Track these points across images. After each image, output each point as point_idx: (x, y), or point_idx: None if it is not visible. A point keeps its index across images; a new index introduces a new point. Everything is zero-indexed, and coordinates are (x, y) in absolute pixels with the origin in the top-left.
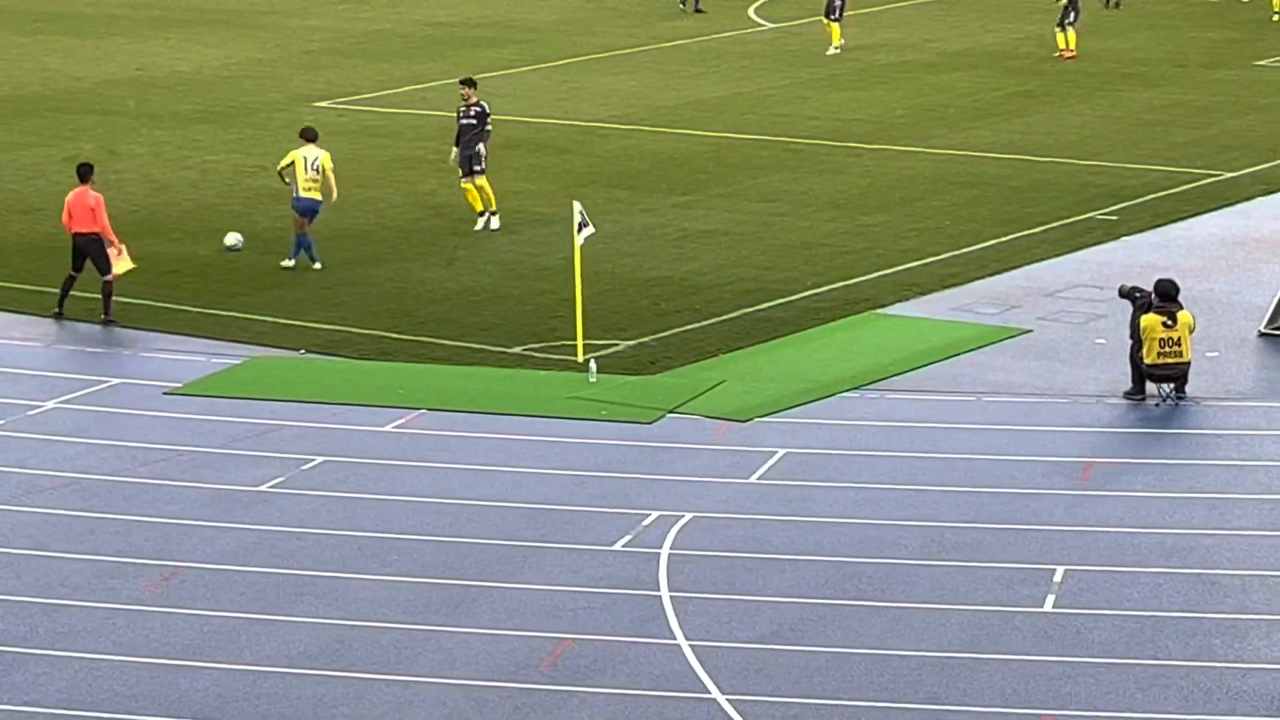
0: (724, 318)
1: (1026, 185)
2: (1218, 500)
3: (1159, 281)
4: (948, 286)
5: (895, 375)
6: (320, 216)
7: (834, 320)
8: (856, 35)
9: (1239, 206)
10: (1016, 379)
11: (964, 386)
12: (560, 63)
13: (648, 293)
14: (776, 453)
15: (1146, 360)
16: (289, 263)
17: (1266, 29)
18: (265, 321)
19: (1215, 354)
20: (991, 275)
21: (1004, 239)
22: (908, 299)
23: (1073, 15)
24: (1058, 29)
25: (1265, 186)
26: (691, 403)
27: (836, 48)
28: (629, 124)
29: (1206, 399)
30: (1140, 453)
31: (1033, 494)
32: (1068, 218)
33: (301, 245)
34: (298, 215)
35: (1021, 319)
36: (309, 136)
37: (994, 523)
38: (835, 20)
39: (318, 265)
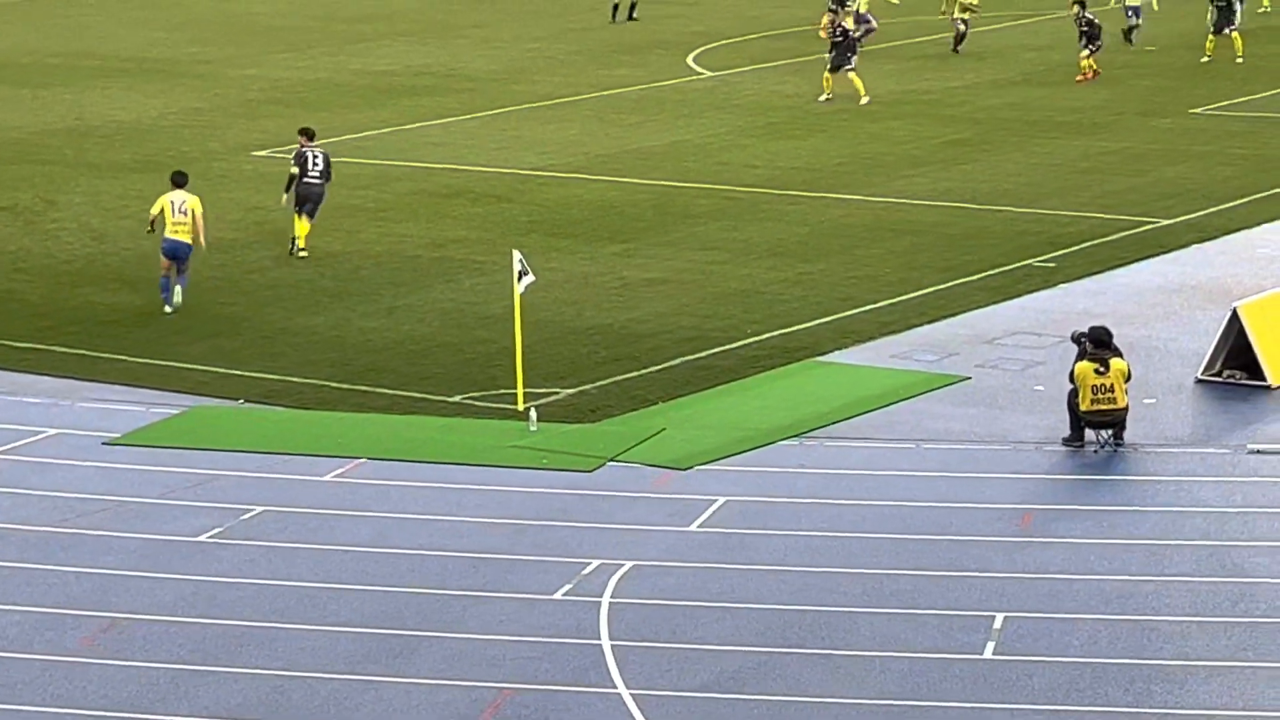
0: (664, 366)
1: (964, 233)
2: (1156, 546)
3: (1092, 328)
4: (887, 334)
5: (834, 423)
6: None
7: (774, 368)
8: (795, 84)
9: (1175, 254)
10: (955, 426)
11: (903, 434)
12: (499, 111)
13: (588, 341)
14: (717, 501)
15: (1081, 407)
16: (169, 309)
17: (1201, 77)
18: (204, 371)
19: (1153, 400)
20: (930, 323)
21: (942, 286)
22: (847, 347)
23: (1095, 46)
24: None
25: (1201, 234)
26: (632, 451)
27: (867, 99)
28: (568, 172)
29: (1145, 445)
30: (1079, 499)
31: (972, 541)
32: (1006, 265)
33: (166, 287)
34: (164, 257)
35: (960, 366)
36: (178, 182)
37: (933, 570)
38: (851, 70)
39: (168, 310)
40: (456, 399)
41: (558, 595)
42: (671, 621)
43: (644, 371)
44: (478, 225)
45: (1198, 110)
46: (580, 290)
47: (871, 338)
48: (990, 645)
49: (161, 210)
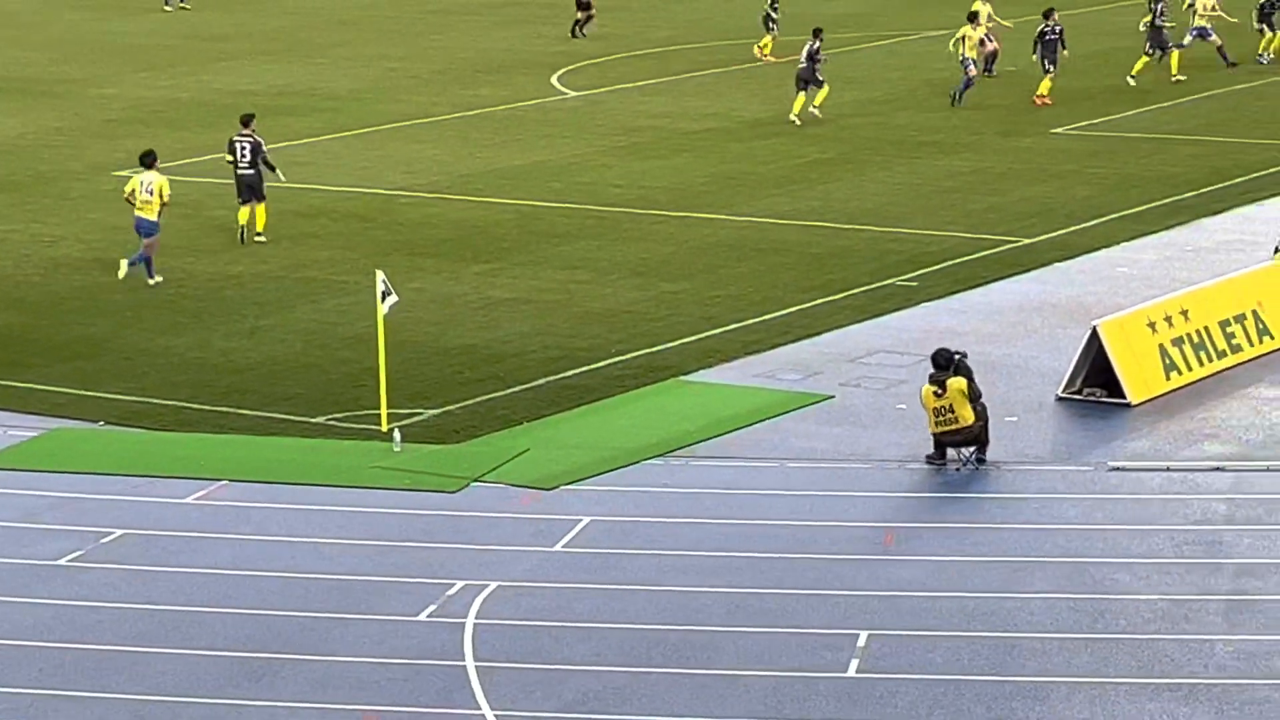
0: (528, 385)
1: (827, 252)
2: (1018, 563)
3: (933, 352)
4: (750, 353)
5: (699, 442)
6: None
7: (638, 387)
8: (661, 103)
9: (1036, 272)
10: (819, 444)
11: (767, 452)
12: (362, 131)
13: (452, 361)
14: (581, 520)
15: (929, 429)
16: (150, 279)
17: (1061, 97)
18: (63, 393)
19: (1014, 419)
20: (794, 342)
21: (806, 305)
22: (711, 366)
23: (1051, 66)
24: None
25: (1062, 252)
26: (496, 471)
27: (815, 110)
28: (432, 192)
29: (1006, 463)
30: (941, 517)
31: (835, 559)
32: (869, 284)
33: (143, 260)
34: (138, 234)
35: (824, 385)
36: (147, 163)
37: (797, 588)
38: (804, 92)
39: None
40: (320, 420)
41: (422, 617)
42: (536, 642)
43: (508, 391)
44: (340, 245)
45: (1059, 130)
46: (444, 310)
47: (735, 357)
48: (854, 663)
49: (133, 190)
